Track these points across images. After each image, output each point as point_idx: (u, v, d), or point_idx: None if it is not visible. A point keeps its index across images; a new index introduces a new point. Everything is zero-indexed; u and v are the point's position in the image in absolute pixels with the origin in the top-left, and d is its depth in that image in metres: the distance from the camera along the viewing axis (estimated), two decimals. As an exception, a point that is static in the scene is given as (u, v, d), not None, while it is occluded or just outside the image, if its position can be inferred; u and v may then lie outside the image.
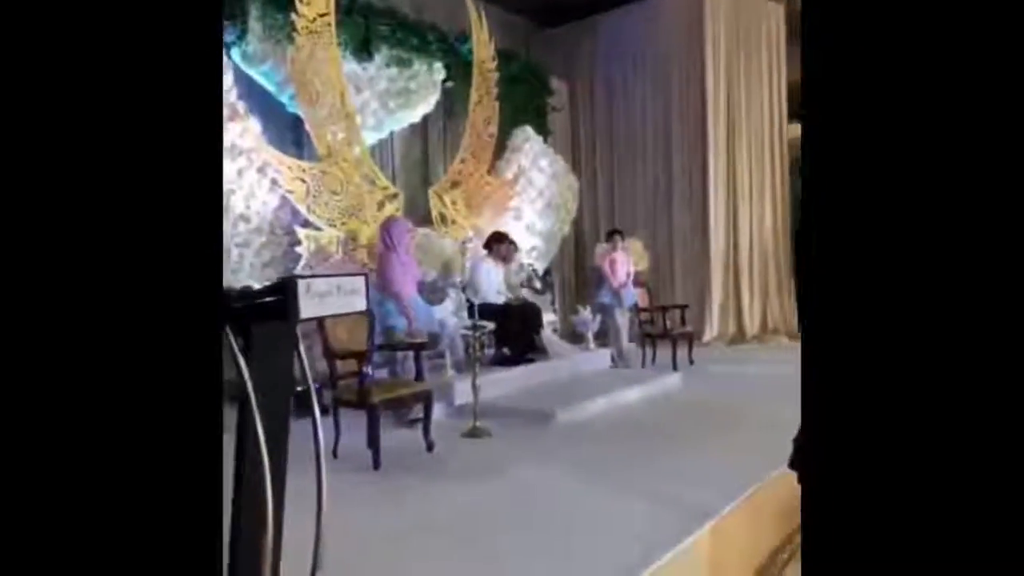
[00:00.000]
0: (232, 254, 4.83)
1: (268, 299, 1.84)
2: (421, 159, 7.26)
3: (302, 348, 2.08)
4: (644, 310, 7.04)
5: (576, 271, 9.30)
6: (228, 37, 5.09)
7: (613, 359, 6.56)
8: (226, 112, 4.84)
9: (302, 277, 1.88)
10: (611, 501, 3.13)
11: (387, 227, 5.31)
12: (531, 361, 5.72)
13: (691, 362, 6.76)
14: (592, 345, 6.48)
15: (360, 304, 2.12)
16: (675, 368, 6.35)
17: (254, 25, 5.21)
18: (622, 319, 6.85)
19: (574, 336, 6.99)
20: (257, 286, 1.93)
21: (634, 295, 6.97)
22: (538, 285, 6.81)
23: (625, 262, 7.01)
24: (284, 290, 1.83)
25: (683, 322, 7.08)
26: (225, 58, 4.96)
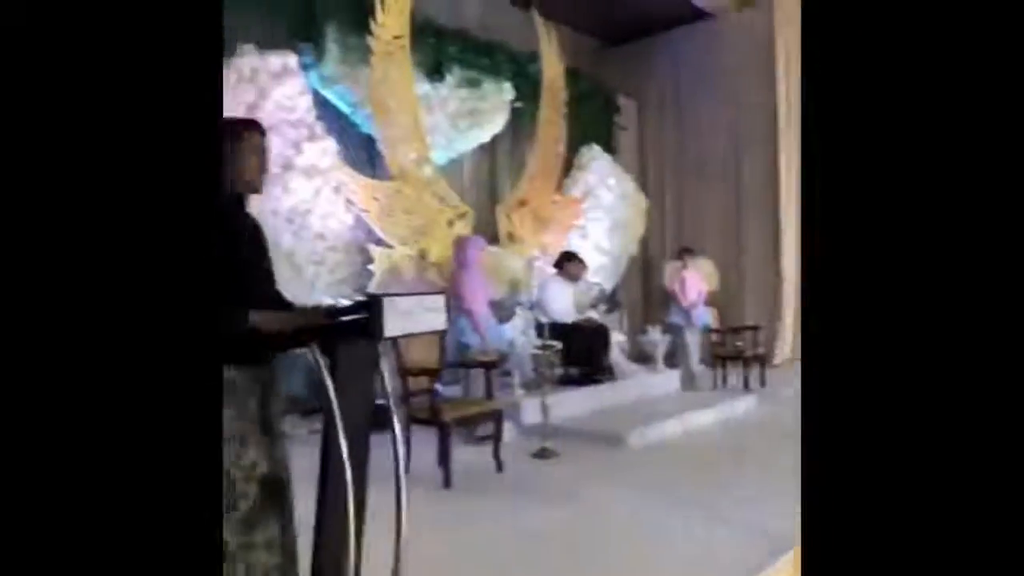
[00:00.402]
0: (308, 272, 4.94)
1: (354, 317, 1.86)
2: (489, 178, 7.31)
3: (384, 366, 2.11)
4: (715, 331, 6.89)
5: (644, 290, 9.18)
6: (306, 59, 5.24)
7: (683, 381, 6.43)
8: (304, 133, 4.98)
9: (386, 295, 1.89)
10: (689, 528, 3.04)
11: (462, 245, 5.36)
12: (598, 382, 5.64)
13: (763, 384, 6.57)
14: (661, 366, 6.36)
15: (441, 323, 2.12)
16: (747, 389, 6.19)
17: (331, 47, 5.35)
18: (692, 340, 6.72)
19: (642, 357, 6.89)
20: (344, 302, 1.95)
21: (706, 315, 6.83)
22: (606, 306, 6.73)
23: (696, 281, 6.88)
24: (369, 308, 1.84)
25: (755, 343, 6.89)
26: (304, 80, 5.10)
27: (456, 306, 5.22)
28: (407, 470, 3.80)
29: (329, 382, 1.84)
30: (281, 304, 2.04)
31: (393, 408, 2.08)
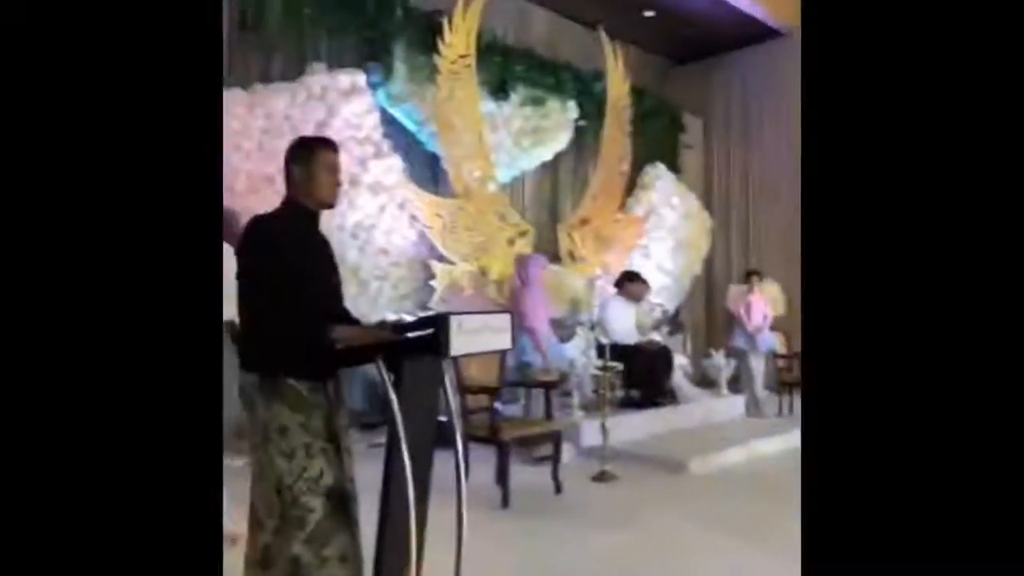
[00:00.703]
0: (371, 286, 4.99)
1: (420, 334, 1.85)
2: (550, 196, 7.29)
3: (448, 383, 2.09)
4: (781, 356, 6.68)
5: (708, 312, 8.98)
6: (374, 78, 5.34)
7: (747, 407, 6.25)
8: (371, 150, 5.06)
9: (452, 314, 1.88)
10: (752, 562, 2.92)
11: (524, 263, 5.35)
12: (659, 405, 5.52)
13: (832, 413, 6.31)
14: (725, 391, 6.19)
15: (506, 342, 2.10)
16: (815, 419, 5.96)
17: (399, 67, 5.43)
18: (757, 365, 6.52)
19: (706, 381, 6.72)
20: (408, 318, 1.94)
21: (771, 340, 6.63)
22: (668, 328, 6.60)
23: (761, 305, 6.69)
24: (436, 326, 1.83)
25: (823, 370, 6.64)
26: (371, 98, 5.19)
27: (517, 324, 5.21)
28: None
29: (394, 397, 1.83)
30: (347, 319, 2.05)
31: (457, 425, 2.06)
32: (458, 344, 1.84)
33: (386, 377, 1.84)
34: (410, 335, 1.88)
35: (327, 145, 2.03)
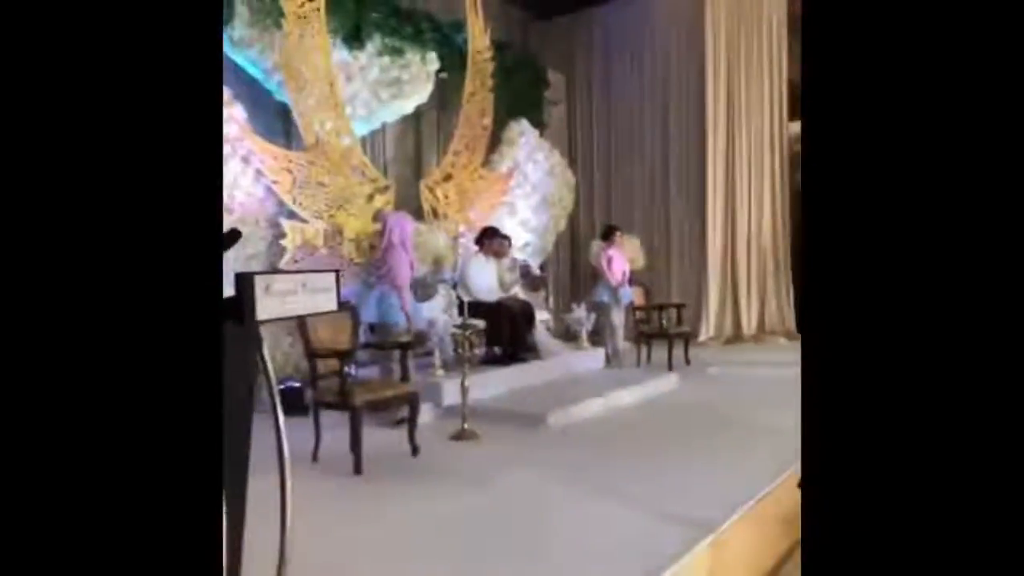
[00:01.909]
0: (213, 246, 4.65)
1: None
2: (413, 151, 7.08)
3: (265, 350, 1.92)
4: (640, 308, 6.87)
5: (571, 268, 9.13)
6: (212, 21, 4.90)
7: (607, 358, 6.40)
8: (208, 98, 4.66)
9: (259, 273, 1.71)
10: (607, 512, 2.96)
11: (393, 221, 5.17)
12: (523, 361, 5.55)
13: (687, 362, 6.60)
14: (586, 344, 6.31)
15: (330, 304, 1.95)
16: (671, 368, 6.19)
17: (241, 9, 5.02)
18: (618, 318, 6.68)
19: (568, 335, 6.82)
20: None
21: (630, 293, 6.80)
22: (530, 284, 6.61)
23: (622, 259, 6.83)
24: (238, 287, 1.66)
25: (679, 321, 6.91)
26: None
27: (380, 284, 5.05)
28: (315, 456, 3.67)
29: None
30: None
31: (275, 392, 1.90)
32: (267, 308, 1.68)
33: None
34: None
35: None
